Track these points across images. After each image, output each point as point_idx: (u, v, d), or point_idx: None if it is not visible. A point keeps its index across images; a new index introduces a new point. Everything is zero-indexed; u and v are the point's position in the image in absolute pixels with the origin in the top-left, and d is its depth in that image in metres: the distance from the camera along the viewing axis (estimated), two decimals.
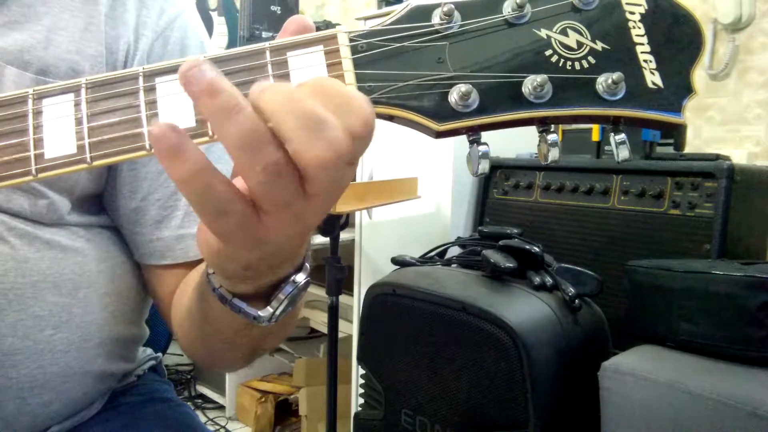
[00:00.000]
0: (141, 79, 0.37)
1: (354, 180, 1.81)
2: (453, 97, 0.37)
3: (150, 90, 0.37)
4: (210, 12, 2.59)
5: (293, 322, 0.55)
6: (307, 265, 0.46)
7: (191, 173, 0.33)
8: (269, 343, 0.57)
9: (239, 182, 0.36)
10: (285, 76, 0.36)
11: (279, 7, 2.28)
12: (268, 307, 0.45)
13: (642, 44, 0.38)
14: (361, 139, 0.33)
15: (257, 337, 0.53)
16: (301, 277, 0.45)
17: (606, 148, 1.52)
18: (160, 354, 0.82)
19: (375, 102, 0.37)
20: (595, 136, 1.52)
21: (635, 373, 1.00)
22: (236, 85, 0.36)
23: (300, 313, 0.54)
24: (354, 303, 1.88)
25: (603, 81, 0.37)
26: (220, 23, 2.58)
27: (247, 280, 0.43)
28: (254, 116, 0.32)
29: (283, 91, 0.32)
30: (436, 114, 0.37)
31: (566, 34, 0.38)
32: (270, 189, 0.33)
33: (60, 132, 0.37)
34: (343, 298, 1.57)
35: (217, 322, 0.51)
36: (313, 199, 0.35)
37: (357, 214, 1.85)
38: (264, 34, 2.24)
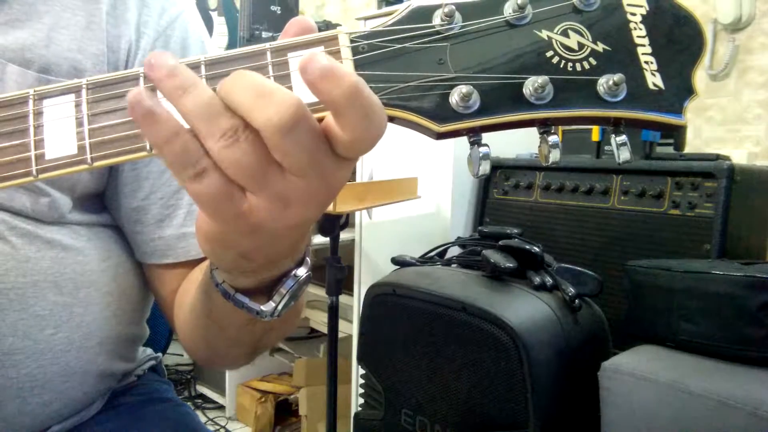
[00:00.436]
0: (142, 80, 0.37)
1: (354, 180, 1.81)
2: (454, 98, 0.37)
3: (151, 91, 0.37)
4: (210, 12, 2.59)
5: (295, 318, 0.56)
6: (308, 259, 0.46)
7: (168, 134, 0.34)
8: (271, 339, 0.57)
9: None
10: (286, 77, 0.36)
11: (279, 7, 2.28)
12: (271, 302, 0.45)
13: (643, 45, 0.38)
14: (372, 143, 0.35)
15: (260, 333, 0.53)
16: (302, 272, 0.45)
17: (606, 148, 1.52)
18: (160, 354, 0.82)
19: None
20: (595, 137, 1.52)
21: (635, 373, 1.00)
22: None
23: (302, 309, 0.55)
24: (354, 303, 1.88)
25: (604, 82, 0.37)
26: (220, 23, 2.58)
27: (246, 272, 0.44)
28: (208, 89, 0.35)
29: (233, 74, 0.35)
30: (437, 115, 0.37)
31: (567, 36, 0.38)
32: (232, 153, 0.34)
33: (61, 133, 0.37)
34: (343, 298, 1.57)
35: (221, 318, 0.51)
36: (293, 179, 0.35)
37: (357, 214, 1.85)
38: (264, 34, 2.24)
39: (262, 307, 0.46)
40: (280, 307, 0.46)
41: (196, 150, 0.35)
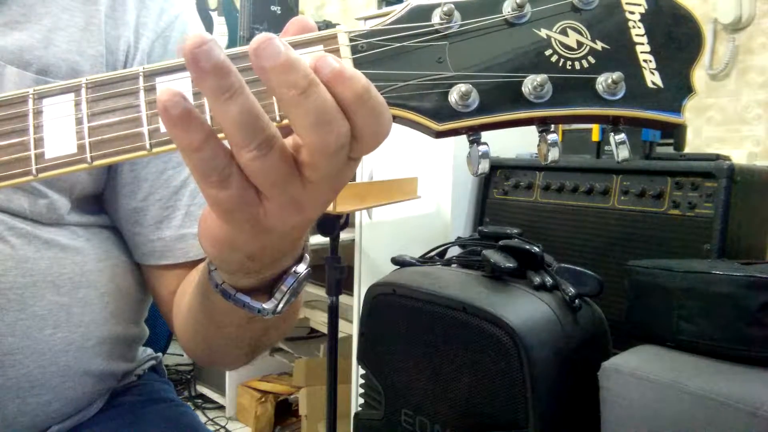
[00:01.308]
0: (141, 78, 0.37)
1: (354, 180, 1.81)
2: (453, 96, 0.37)
3: (150, 90, 0.37)
4: (210, 12, 2.59)
5: (294, 316, 0.56)
6: (307, 255, 0.46)
7: (202, 139, 0.33)
8: (271, 338, 0.57)
9: None
10: None
11: (279, 7, 2.28)
12: (272, 300, 0.46)
13: (642, 44, 0.38)
14: (378, 143, 0.35)
15: (259, 332, 0.53)
16: (301, 268, 0.46)
17: (606, 148, 1.52)
18: (160, 354, 0.82)
19: None
20: (595, 136, 1.52)
21: (635, 373, 1.00)
22: None
23: (300, 306, 0.55)
24: (354, 303, 1.88)
25: (603, 81, 0.37)
26: (220, 23, 2.58)
27: (250, 273, 0.44)
28: (253, 99, 0.33)
29: (302, 83, 0.32)
30: (436, 114, 0.37)
31: (566, 34, 0.38)
32: (261, 166, 0.34)
33: (60, 132, 0.37)
34: (343, 298, 1.57)
35: (220, 318, 0.51)
36: (310, 187, 0.36)
37: (357, 214, 1.85)
38: None
39: (264, 306, 0.46)
40: (281, 305, 0.46)
41: (224, 157, 0.34)
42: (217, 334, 0.54)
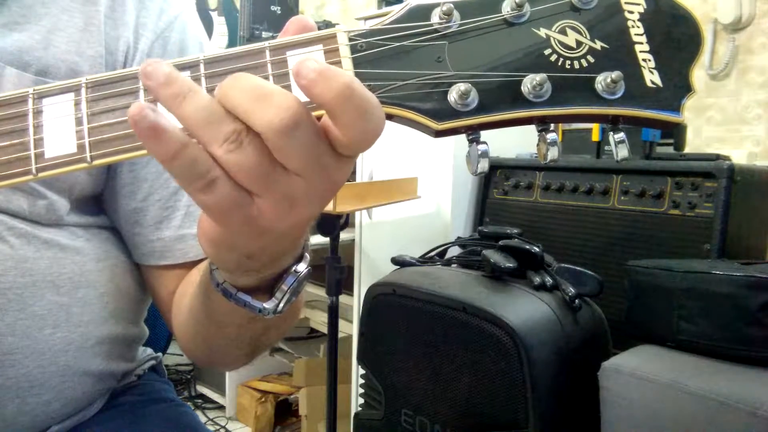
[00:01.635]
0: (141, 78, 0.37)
1: (354, 180, 1.81)
2: (452, 96, 0.37)
3: None
4: (210, 12, 2.59)
5: (295, 315, 0.56)
6: (307, 255, 0.46)
7: (175, 150, 0.34)
8: (271, 338, 0.57)
9: None
10: (284, 76, 0.36)
11: (279, 7, 2.28)
12: (273, 299, 0.46)
13: (641, 43, 0.38)
14: (371, 140, 0.35)
15: (259, 331, 0.53)
16: (302, 267, 0.46)
17: (606, 148, 1.52)
18: (160, 354, 0.82)
19: None
20: (595, 136, 1.52)
21: (635, 373, 1.00)
22: None
23: (301, 306, 0.55)
24: (354, 303, 1.88)
25: (602, 80, 0.37)
26: (220, 23, 2.58)
27: (249, 272, 0.44)
28: (206, 95, 0.35)
29: (230, 76, 0.35)
30: (436, 113, 0.37)
31: (565, 34, 0.38)
32: (237, 158, 0.34)
33: (60, 131, 0.37)
34: (343, 298, 1.57)
35: (221, 318, 0.51)
36: (298, 180, 0.35)
37: (357, 214, 1.85)
38: (264, 34, 2.24)
39: (265, 305, 0.46)
40: (282, 304, 0.46)
41: (204, 161, 0.35)
42: (218, 334, 0.54)
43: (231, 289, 0.46)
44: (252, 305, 0.46)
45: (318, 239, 1.55)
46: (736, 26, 1.65)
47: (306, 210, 0.37)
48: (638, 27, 0.38)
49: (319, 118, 0.35)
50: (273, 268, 0.45)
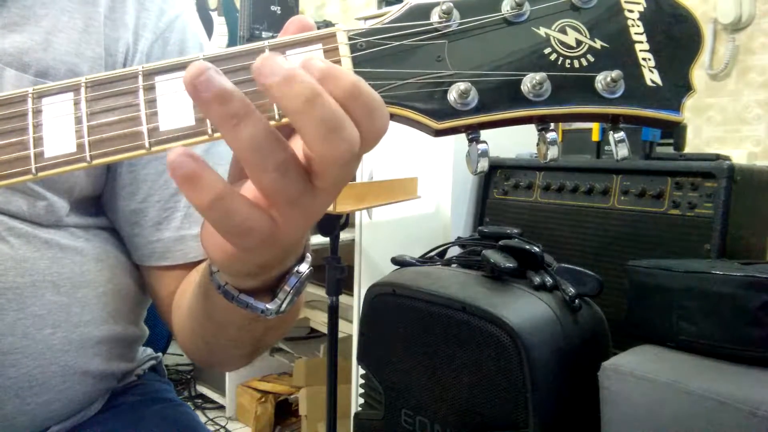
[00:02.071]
0: (140, 77, 0.37)
1: (354, 180, 1.81)
2: (452, 95, 0.37)
3: (149, 89, 0.37)
4: (210, 12, 2.59)
5: (295, 316, 0.56)
6: (308, 255, 0.46)
7: (210, 200, 0.33)
8: (271, 338, 0.57)
9: (248, 188, 0.37)
10: None
11: (279, 7, 2.28)
12: (275, 300, 0.45)
13: (641, 42, 0.38)
14: (377, 139, 0.34)
15: (260, 332, 0.53)
16: (303, 268, 0.45)
17: (606, 148, 1.52)
18: (160, 354, 0.82)
19: None
20: (595, 136, 1.52)
21: (635, 373, 1.00)
22: (235, 83, 0.36)
23: (301, 307, 0.55)
24: (354, 303, 1.88)
25: (602, 79, 0.37)
26: (220, 23, 2.58)
27: (257, 276, 0.44)
28: (264, 121, 0.33)
29: (305, 92, 0.32)
30: (435, 112, 0.37)
31: (565, 33, 0.38)
32: (281, 187, 0.34)
33: (60, 131, 0.37)
34: (343, 298, 1.57)
35: (221, 319, 0.51)
36: (321, 194, 0.36)
37: (357, 214, 1.85)
38: (264, 34, 2.24)
39: (268, 306, 0.45)
40: (284, 305, 0.46)
41: (240, 212, 0.34)
42: (218, 334, 0.54)
43: (233, 291, 0.45)
44: (254, 306, 0.45)
45: (318, 239, 1.55)
46: (736, 26, 1.65)
47: (318, 216, 0.38)
48: (638, 26, 0.38)
49: None
50: (277, 270, 0.44)
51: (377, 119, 0.34)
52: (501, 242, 1.20)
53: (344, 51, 0.37)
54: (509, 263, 1.13)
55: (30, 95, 0.37)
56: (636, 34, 0.38)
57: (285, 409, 2.31)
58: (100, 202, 0.66)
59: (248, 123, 0.32)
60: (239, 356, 0.59)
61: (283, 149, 0.33)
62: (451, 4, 0.37)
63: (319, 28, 0.38)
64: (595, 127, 1.52)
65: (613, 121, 0.38)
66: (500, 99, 0.37)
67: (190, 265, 0.64)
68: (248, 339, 0.54)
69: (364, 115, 0.33)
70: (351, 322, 1.95)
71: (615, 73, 0.37)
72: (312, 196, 0.35)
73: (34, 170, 0.36)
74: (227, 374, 2.37)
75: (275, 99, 0.32)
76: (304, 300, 0.50)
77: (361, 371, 1.33)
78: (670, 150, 1.46)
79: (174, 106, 0.36)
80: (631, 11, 0.38)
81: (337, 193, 0.37)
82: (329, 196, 0.36)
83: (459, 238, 1.46)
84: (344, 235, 1.69)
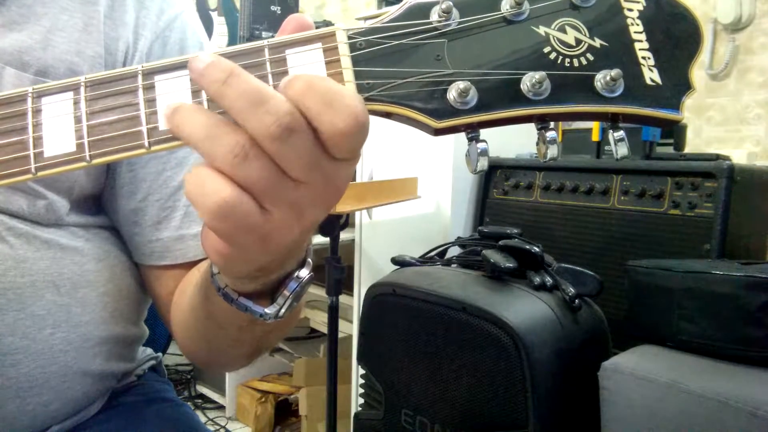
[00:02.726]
0: (140, 77, 0.37)
1: (354, 180, 1.81)
2: (451, 94, 0.37)
3: (149, 88, 0.37)
4: (210, 12, 2.59)
5: (295, 318, 0.56)
6: (310, 260, 0.46)
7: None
8: (271, 340, 0.57)
9: None
10: (283, 74, 0.36)
11: (279, 7, 2.28)
12: (275, 304, 0.45)
13: (640, 41, 0.38)
14: (344, 135, 0.34)
15: (260, 334, 0.53)
16: (304, 273, 0.45)
17: (606, 148, 1.52)
18: (160, 354, 0.82)
19: (373, 99, 0.37)
20: (595, 136, 1.52)
21: (635, 373, 1.00)
22: None
23: (301, 308, 0.55)
24: (354, 303, 1.88)
25: (601, 78, 0.37)
26: (220, 23, 2.57)
27: (257, 279, 0.44)
28: (204, 111, 0.35)
29: (220, 75, 0.34)
30: (435, 111, 0.37)
31: (565, 32, 0.38)
32: (245, 172, 0.34)
33: (59, 130, 0.37)
34: (343, 298, 1.57)
35: (222, 320, 0.51)
36: (303, 187, 0.35)
37: (357, 214, 1.85)
38: (264, 34, 2.24)
39: (266, 310, 0.45)
40: (283, 310, 0.46)
41: (215, 186, 0.35)
42: (218, 335, 0.54)
43: (232, 294, 0.45)
44: (253, 310, 0.45)
45: (318, 239, 1.55)
46: (736, 26, 1.65)
47: (312, 217, 0.38)
48: (637, 25, 0.38)
49: None
50: (277, 273, 0.45)
51: (337, 113, 0.34)
52: (501, 242, 1.20)
53: (344, 50, 0.37)
54: (509, 263, 1.13)
55: (29, 95, 0.37)
56: (635, 32, 0.38)
57: (285, 409, 2.31)
58: (100, 201, 0.66)
59: (189, 116, 0.35)
60: (239, 357, 0.59)
61: (232, 133, 0.34)
62: (451, 3, 0.37)
63: (318, 28, 0.38)
64: (595, 127, 1.52)
65: (612, 120, 0.38)
66: (500, 98, 0.37)
67: (190, 265, 0.64)
68: (248, 340, 0.54)
69: (322, 110, 0.34)
70: (351, 322, 1.95)
71: (614, 72, 0.37)
72: (292, 189, 0.35)
73: (33, 170, 0.36)
74: (227, 374, 2.37)
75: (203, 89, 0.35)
76: (304, 302, 0.50)
77: (361, 371, 1.32)
78: (670, 150, 1.46)
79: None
80: (630, 10, 0.38)
81: (326, 190, 0.37)
82: (317, 192, 0.36)
83: (459, 238, 1.46)
84: (344, 235, 1.69)
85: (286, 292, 0.45)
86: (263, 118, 0.33)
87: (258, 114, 0.33)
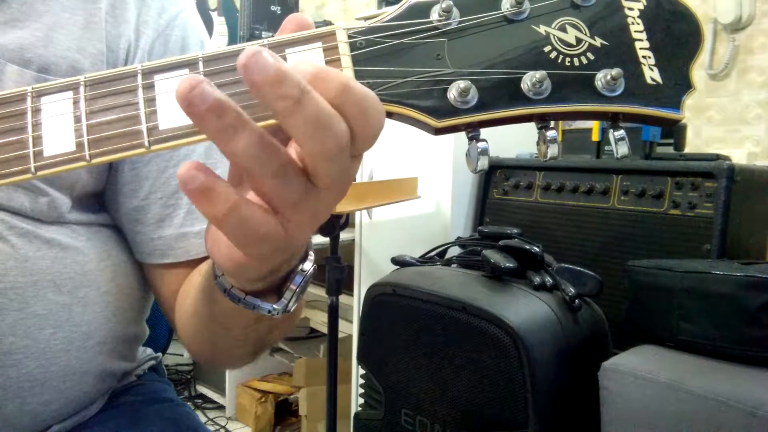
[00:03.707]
0: (140, 76, 0.37)
1: (354, 180, 1.81)
2: (452, 93, 0.37)
3: (149, 87, 0.37)
4: (210, 12, 2.59)
5: (298, 313, 0.56)
6: (311, 253, 0.46)
7: (225, 212, 0.33)
8: (275, 336, 0.57)
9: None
10: None
11: (279, 7, 2.29)
12: (282, 299, 0.46)
13: (641, 40, 0.38)
14: (374, 136, 0.34)
15: (265, 331, 0.53)
16: (308, 266, 0.46)
17: (606, 148, 1.52)
18: (160, 354, 0.82)
19: None
20: (595, 136, 1.52)
21: (635, 373, 1.00)
22: (234, 83, 0.36)
23: (303, 304, 0.55)
24: (354, 303, 1.88)
25: (602, 77, 0.37)
26: (220, 23, 2.58)
27: (266, 279, 0.44)
28: (258, 130, 0.32)
29: (294, 92, 0.31)
30: (435, 110, 0.37)
31: (565, 31, 0.38)
32: (282, 192, 0.34)
33: (59, 129, 0.37)
34: (343, 298, 1.57)
35: (226, 320, 0.51)
36: (324, 193, 0.35)
37: (357, 214, 1.85)
38: (264, 34, 2.24)
39: (274, 306, 0.46)
40: (291, 304, 0.46)
41: (256, 219, 0.34)
42: (224, 335, 0.54)
43: (239, 294, 0.45)
44: (261, 307, 0.45)
45: (318, 239, 1.55)
46: (736, 26, 1.65)
47: (324, 217, 0.38)
48: (638, 24, 0.38)
49: None
50: (283, 271, 0.45)
51: (370, 116, 0.34)
52: (501, 242, 1.20)
53: (344, 49, 0.37)
54: (509, 263, 1.13)
55: (29, 94, 0.37)
56: (636, 32, 0.38)
57: (285, 409, 2.31)
58: (102, 198, 0.66)
59: (243, 134, 0.31)
60: (243, 355, 0.59)
61: (279, 155, 0.33)
62: (451, 2, 0.37)
63: (318, 27, 0.38)
64: (595, 127, 1.52)
65: (613, 119, 0.38)
66: (500, 97, 0.37)
67: (193, 263, 0.64)
68: (253, 338, 0.54)
69: (357, 114, 0.33)
70: (351, 322, 1.95)
71: (615, 71, 0.37)
72: (315, 196, 0.35)
73: (33, 169, 0.36)
74: (227, 374, 2.37)
75: (263, 98, 0.32)
76: (304, 298, 0.50)
77: (361, 371, 1.32)
78: (670, 150, 1.46)
79: (173, 105, 0.36)
80: (630, 9, 0.38)
81: (340, 191, 0.37)
82: (333, 195, 0.36)
83: (459, 238, 1.46)
84: (344, 235, 1.69)
85: (293, 286, 0.45)
86: (326, 141, 0.32)
87: (323, 137, 0.32)
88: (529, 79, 0.37)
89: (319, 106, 0.32)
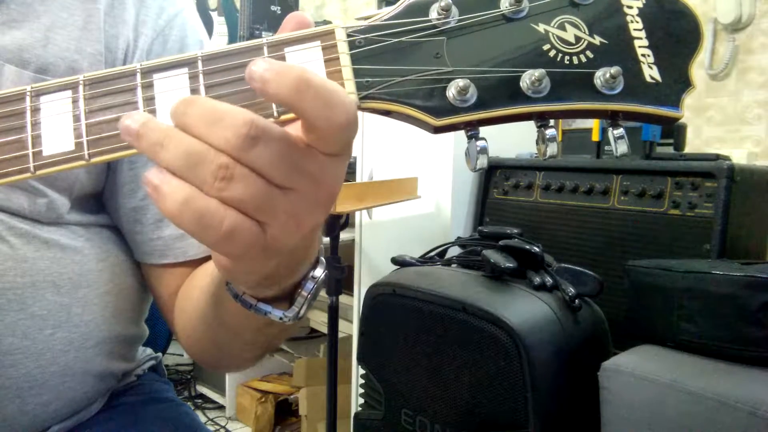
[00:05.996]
0: (138, 75, 0.37)
1: (354, 180, 1.81)
2: (451, 92, 0.37)
3: (147, 86, 0.37)
4: (210, 12, 2.59)
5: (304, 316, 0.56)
6: (322, 259, 0.46)
7: (177, 206, 0.33)
8: (282, 338, 0.57)
9: None
10: None
11: (279, 7, 2.29)
12: (294, 306, 0.46)
13: (640, 39, 0.38)
14: (338, 131, 0.34)
15: (273, 335, 0.53)
16: (318, 272, 0.46)
17: (606, 148, 1.52)
18: (160, 354, 0.82)
19: (372, 97, 0.37)
20: (595, 136, 1.52)
21: (635, 373, 1.00)
22: (234, 81, 0.36)
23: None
24: (354, 303, 1.88)
25: (601, 75, 0.37)
26: (220, 23, 2.58)
27: (271, 286, 0.44)
28: (184, 137, 0.33)
29: (183, 101, 0.34)
30: (434, 109, 0.37)
31: (564, 29, 0.38)
32: (234, 193, 0.33)
33: (58, 129, 0.37)
34: (343, 298, 1.57)
35: (236, 325, 0.51)
36: (290, 193, 0.35)
37: (357, 214, 1.85)
38: (264, 34, 2.24)
39: (286, 312, 0.46)
40: (302, 310, 0.46)
41: (213, 212, 0.33)
42: (233, 339, 0.54)
43: (251, 300, 0.45)
44: (273, 314, 0.46)
45: None
46: (736, 26, 1.65)
47: (311, 221, 0.37)
48: (637, 22, 0.38)
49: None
50: (292, 278, 0.45)
51: (331, 108, 0.33)
52: (501, 242, 1.20)
53: (343, 48, 0.37)
54: (509, 263, 1.13)
55: (28, 93, 0.37)
56: (635, 30, 0.38)
57: (285, 409, 2.31)
58: (101, 199, 0.66)
59: (168, 146, 0.33)
60: (250, 357, 0.59)
61: (213, 157, 0.33)
62: (450, 1, 0.37)
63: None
64: (595, 127, 1.52)
65: (612, 118, 0.38)
66: (499, 96, 0.37)
67: (192, 263, 0.64)
68: (262, 342, 0.54)
69: (319, 108, 0.33)
70: (351, 322, 1.95)
71: (614, 70, 0.37)
72: (283, 196, 0.34)
73: (32, 168, 0.36)
74: (227, 374, 2.37)
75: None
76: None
77: (361, 371, 1.32)
78: (670, 150, 1.46)
79: (172, 104, 0.36)
80: (630, 7, 0.38)
81: (319, 192, 0.36)
82: (308, 196, 0.35)
83: (459, 238, 1.46)
84: (344, 235, 1.69)
85: (304, 293, 0.46)
86: (223, 134, 0.32)
87: (218, 132, 0.32)
88: (528, 78, 0.37)
89: (203, 106, 0.33)
